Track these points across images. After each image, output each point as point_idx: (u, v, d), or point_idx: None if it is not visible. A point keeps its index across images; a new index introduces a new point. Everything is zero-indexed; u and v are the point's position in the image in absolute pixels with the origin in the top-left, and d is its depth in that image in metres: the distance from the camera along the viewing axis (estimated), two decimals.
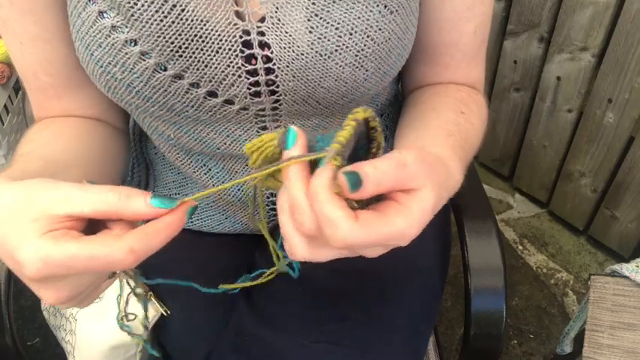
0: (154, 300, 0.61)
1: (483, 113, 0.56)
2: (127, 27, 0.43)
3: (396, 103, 0.68)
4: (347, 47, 0.45)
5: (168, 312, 0.61)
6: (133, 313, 0.60)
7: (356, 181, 0.32)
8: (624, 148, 1.25)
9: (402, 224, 0.33)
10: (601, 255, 1.44)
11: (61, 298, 0.36)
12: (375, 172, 0.32)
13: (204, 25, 0.43)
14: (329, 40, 0.45)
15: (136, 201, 0.35)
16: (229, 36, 0.44)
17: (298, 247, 0.35)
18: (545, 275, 1.42)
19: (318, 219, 0.32)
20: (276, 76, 0.46)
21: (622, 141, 1.25)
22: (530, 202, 1.62)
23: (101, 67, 0.46)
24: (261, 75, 0.46)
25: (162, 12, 0.42)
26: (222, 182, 0.59)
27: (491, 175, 1.71)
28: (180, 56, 0.44)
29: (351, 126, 0.34)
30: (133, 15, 0.43)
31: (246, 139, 0.53)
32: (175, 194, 0.64)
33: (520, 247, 1.50)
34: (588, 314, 0.73)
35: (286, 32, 0.44)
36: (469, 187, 0.67)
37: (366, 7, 0.45)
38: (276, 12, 0.44)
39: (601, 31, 1.18)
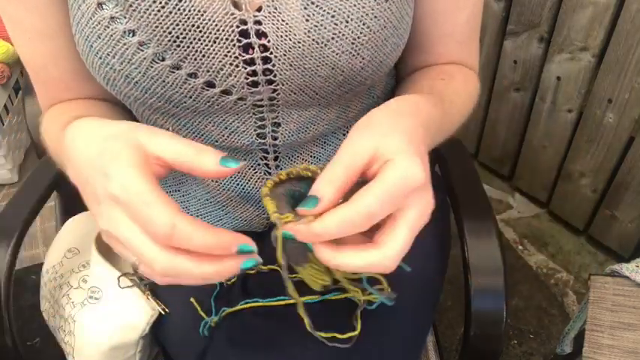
0: (150, 299, 0.61)
1: (470, 82, 0.58)
2: (125, 17, 0.44)
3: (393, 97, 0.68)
4: (343, 35, 0.45)
5: (167, 310, 0.61)
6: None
7: (311, 201, 0.35)
8: (624, 148, 1.25)
9: (394, 175, 0.35)
10: (601, 255, 1.44)
11: (109, 230, 0.36)
12: (322, 179, 0.36)
13: (202, 15, 0.44)
14: (325, 28, 0.45)
15: (208, 158, 0.36)
16: (226, 26, 0.45)
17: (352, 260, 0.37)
18: (545, 275, 1.42)
19: (342, 233, 0.35)
20: (274, 65, 0.46)
21: (622, 141, 1.25)
22: (530, 202, 1.62)
23: (100, 58, 0.46)
24: (259, 64, 0.46)
25: (160, 2, 0.43)
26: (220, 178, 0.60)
27: (491, 175, 1.71)
28: (178, 46, 0.45)
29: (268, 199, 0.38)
30: (131, 5, 0.43)
31: (244, 131, 0.53)
32: (175, 190, 0.64)
33: (520, 247, 1.50)
34: (588, 314, 0.73)
35: (283, 21, 0.45)
36: (469, 187, 0.68)
37: None
38: (272, 1, 0.45)
39: (601, 31, 1.18)
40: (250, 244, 0.36)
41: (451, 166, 0.70)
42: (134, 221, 0.34)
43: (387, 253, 0.36)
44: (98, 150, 0.36)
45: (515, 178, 1.63)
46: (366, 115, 0.40)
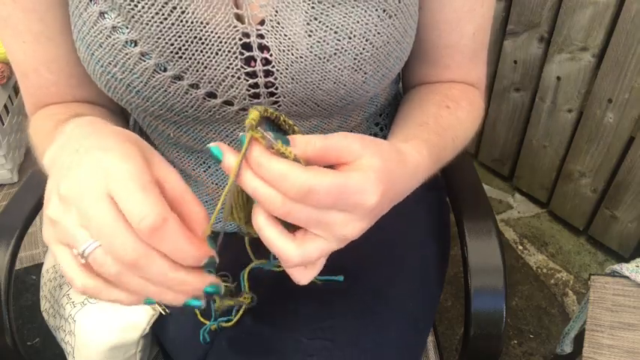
0: None
1: (475, 108, 0.57)
2: (127, 28, 0.44)
3: (395, 102, 0.68)
4: (346, 51, 0.45)
5: (167, 310, 0.61)
6: None
7: (284, 140, 0.34)
8: (624, 148, 1.25)
9: (357, 177, 0.34)
10: (601, 255, 1.45)
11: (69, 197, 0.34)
12: (301, 138, 0.35)
13: (204, 27, 0.44)
14: (328, 44, 0.45)
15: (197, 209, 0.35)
16: (229, 38, 0.45)
17: (286, 249, 0.36)
18: (545, 275, 1.42)
19: (272, 180, 0.33)
20: (275, 79, 0.46)
21: (622, 141, 1.25)
22: (530, 202, 1.62)
23: (102, 66, 0.46)
24: (261, 77, 0.46)
25: (163, 14, 0.43)
26: (221, 179, 0.59)
27: (491, 175, 1.71)
28: (180, 57, 0.44)
29: (254, 113, 0.35)
30: (133, 16, 0.43)
31: None
32: None
33: (520, 247, 1.50)
34: (588, 314, 0.73)
35: (285, 35, 0.45)
36: (469, 187, 0.68)
37: (365, 11, 0.45)
38: (275, 15, 0.45)
39: (601, 31, 1.18)
40: (215, 282, 0.36)
41: (451, 166, 0.70)
42: (121, 202, 0.32)
43: (304, 250, 0.36)
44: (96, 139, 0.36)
45: (515, 178, 1.63)
46: (380, 139, 0.40)
